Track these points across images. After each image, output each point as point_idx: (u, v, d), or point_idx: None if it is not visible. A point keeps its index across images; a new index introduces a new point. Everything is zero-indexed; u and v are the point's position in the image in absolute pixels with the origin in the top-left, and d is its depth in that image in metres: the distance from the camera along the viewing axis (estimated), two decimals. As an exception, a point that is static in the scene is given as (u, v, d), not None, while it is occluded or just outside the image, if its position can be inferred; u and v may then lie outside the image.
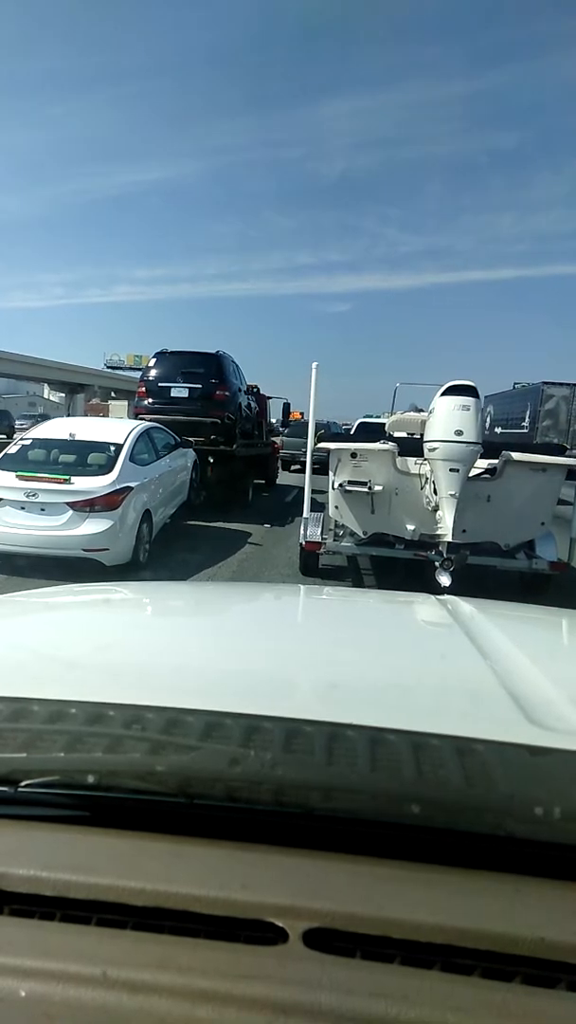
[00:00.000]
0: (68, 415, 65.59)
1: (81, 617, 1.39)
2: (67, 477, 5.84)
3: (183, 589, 2.20)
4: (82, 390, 71.96)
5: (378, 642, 1.26)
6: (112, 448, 6.33)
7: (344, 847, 0.58)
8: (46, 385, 73.63)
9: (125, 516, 5.87)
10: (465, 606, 1.42)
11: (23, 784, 0.60)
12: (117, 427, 7.04)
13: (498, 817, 0.56)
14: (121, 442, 6.43)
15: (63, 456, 6.33)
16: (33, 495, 5.71)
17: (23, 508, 5.71)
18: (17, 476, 5.83)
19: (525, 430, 19.78)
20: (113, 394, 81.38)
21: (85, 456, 6.27)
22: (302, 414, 20.43)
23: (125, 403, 79.95)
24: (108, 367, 76.57)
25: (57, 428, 7.07)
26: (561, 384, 19.67)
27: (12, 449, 6.49)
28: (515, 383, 23.44)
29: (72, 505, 5.68)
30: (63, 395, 71.54)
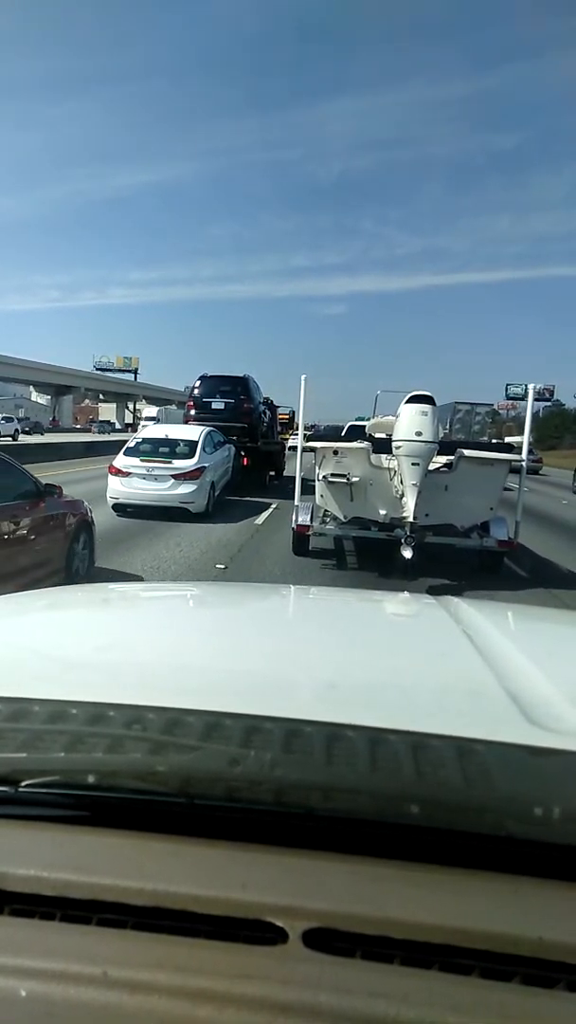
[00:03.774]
0: (54, 417, 67.40)
1: (81, 617, 1.39)
2: (169, 460, 9.80)
3: (183, 589, 2.28)
4: (69, 392, 73.31)
5: (378, 642, 1.26)
6: (192, 443, 10.28)
7: (344, 847, 0.58)
8: (32, 387, 74.83)
9: (203, 483, 9.81)
10: (465, 606, 1.41)
11: (23, 784, 0.60)
12: (192, 430, 11.10)
13: (498, 817, 0.56)
14: (197, 439, 10.39)
15: (161, 448, 10.22)
16: (151, 470, 9.64)
17: (144, 478, 9.63)
18: (140, 460, 9.79)
19: (445, 432, 29.13)
20: (101, 396, 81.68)
21: (175, 448, 10.19)
22: (291, 417, 24.57)
23: (114, 405, 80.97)
24: (97, 369, 76.91)
25: (156, 431, 11.27)
26: (466, 403, 29.67)
27: (131, 443, 10.45)
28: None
29: (173, 476, 9.60)
30: (49, 397, 72.81)
